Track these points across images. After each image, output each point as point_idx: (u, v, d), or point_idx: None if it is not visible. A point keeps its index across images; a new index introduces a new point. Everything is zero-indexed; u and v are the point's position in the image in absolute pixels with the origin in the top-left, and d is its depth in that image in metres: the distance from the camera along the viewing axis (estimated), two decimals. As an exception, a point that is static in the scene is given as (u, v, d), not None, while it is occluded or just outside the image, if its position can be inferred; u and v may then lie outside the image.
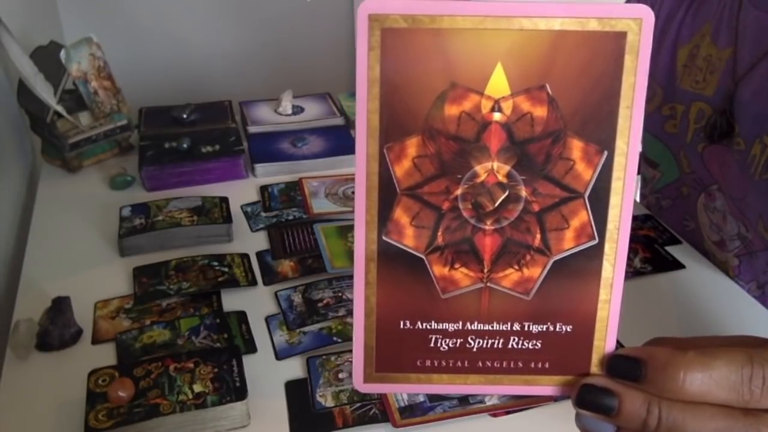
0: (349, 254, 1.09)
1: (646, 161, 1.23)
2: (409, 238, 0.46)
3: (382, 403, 0.83)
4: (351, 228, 1.15)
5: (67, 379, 0.86)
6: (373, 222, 0.46)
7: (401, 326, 0.48)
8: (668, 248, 1.12)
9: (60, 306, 0.94)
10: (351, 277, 1.02)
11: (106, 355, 0.91)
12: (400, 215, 0.46)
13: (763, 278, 1.02)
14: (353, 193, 1.25)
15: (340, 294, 1.01)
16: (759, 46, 0.95)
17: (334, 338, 0.94)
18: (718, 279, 1.06)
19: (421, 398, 0.83)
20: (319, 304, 0.99)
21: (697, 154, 1.06)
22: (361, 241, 0.46)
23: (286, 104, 1.51)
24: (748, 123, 0.95)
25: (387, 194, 0.45)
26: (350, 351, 0.90)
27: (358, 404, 0.83)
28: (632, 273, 1.05)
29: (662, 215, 1.20)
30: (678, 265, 1.08)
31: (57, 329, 0.91)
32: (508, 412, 0.83)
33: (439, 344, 0.48)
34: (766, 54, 0.94)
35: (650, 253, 1.11)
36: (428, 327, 0.48)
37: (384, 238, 0.46)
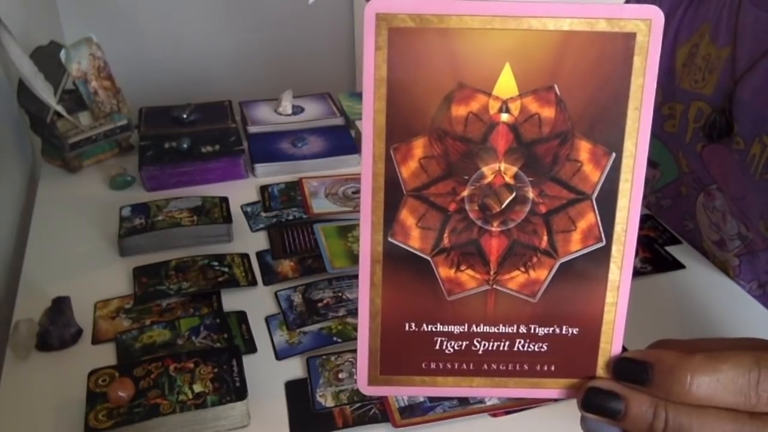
0: (349, 254, 1.09)
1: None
2: (414, 240, 0.46)
3: (382, 403, 0.83)
4: (351, 228, 1.15)
5: (67, 379, 0.86)
6: (379, 223, 0.46)
7: (406, 328, 0.48)
8: (668, 248, 1.12)
9: (60, 306, 0.93)
10: (351, 277, 1.03)
11: (106, 355, 0.91)
12: (406, 216, 0.46)
13: (764, 278, 1.02)
14: (353, 193, 1.26)
15: (340, 294, 1.01)
16: (758, 46, 0.95)
17: (334, 338, 0.93)
18: (718, 279, 1.06)
19: (421, 398, 0.83)
20: (319, 304, 0.99)
21: (695, 153, 1.06)
22: (367, 243, 0.46)
23: (286, 104, 1.51)
24: (748, 122, 0.95)
25: (393, 195, 0.45)
26: (350, 351, 0.91)
27: (358, 404, 0.83)
28: (632, 273, 1.04)
29: (662, 215, 1.20)
30: (678, 265, 1.08)
31: (57, 329, 0.91)
32: (507, 412, 0.83)
33: (444, 346, 0.48)
34: (765, 53, 0.94)
35: (650, 253, 1.11)
36: (434, 329, 0.48)
37: (389, 239, 0.46)
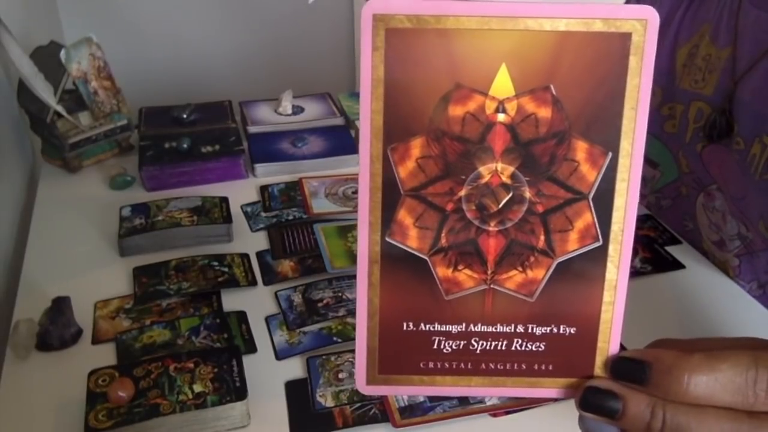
0: (349, 254, 1.09)
1: (645, 161, 1.22)
2: (412, 240, 0.46)
3: (382, 403, 0.83)
4: (351, 228, 1.15)
5: (67, 379, 0.86)
6: (377, 223, 0.46)
7: (404, 328, 0.48)
8: (668, 248, 1.12)
9: (60, 306, 0.93)
10: (351, 277, 1.03)
11: (106, 355, 0.91)
12: (404, 216, 0.46)
13: (764, 278, 1.02)
14: (353, 193, 1.26)
15: (340, 294, 1.01)
16: (758, 46, 0.95)
17: (334, 338, 0.93)
18: (718, 279, 1.06)
19: (421, 398, 0.83)
20: (319, 304, 0.99)
21: (695, 153, 1.06)
22: (364, 243, 0.46)
23: (286, 104, 1.51)
24: (748, 122, 0.95)
25: (390, 195, 0.45)
26: (350, 351, 0.91)
27: (358, 404, 0.83)
28: (632, 273, 1.04)
29: (662, 215, 1.20)
30: (678, 265, 1.08)
31: (57, 329, 0.91)
32: (508, 412, 0.83)
33: (442, 346, 0.48)
34: (765, 54, 0.94)
35: (650, 253, 1.11)
36: (431, 329, 0.48)
37: (387, 239, 0.46)
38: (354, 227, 1.15)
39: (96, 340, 0.94)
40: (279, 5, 2.13)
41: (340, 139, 1.43)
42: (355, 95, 1.62)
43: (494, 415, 0.83)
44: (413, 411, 0.82)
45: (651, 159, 1.20)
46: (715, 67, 1.01)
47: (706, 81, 1.03)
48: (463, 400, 0.83)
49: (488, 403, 0.83)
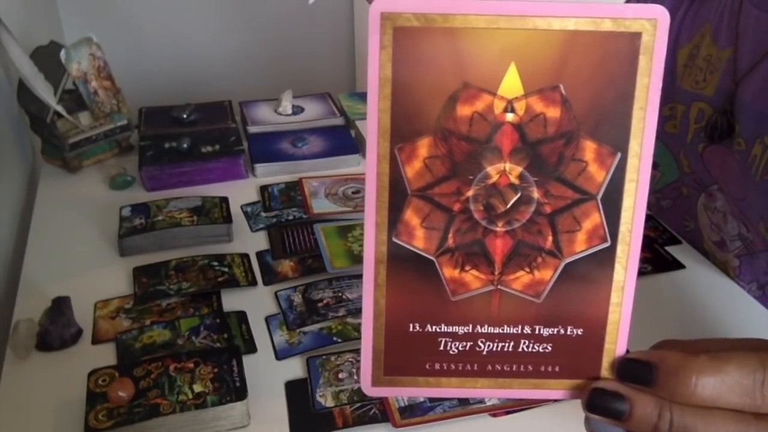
0: (349, 254, 1.09)
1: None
2: (419, 240, 0.46)
3: (382, 403, 0.83)
4: (351, 228, 1.15)
5: (67, 379, 0.86)
6: (383, 223, 0.45)
7: (410, 329, 0.47)
8: (668, 248, 1.12)
9: (60, 306, 0.93)
10: (351, 277, 1.03)
11: (106, 355, 0.91)
12: (411, 216, 0.45)
13: (764, 279, 1.02)
14: (353, 193, 1.25)
15: (340, 294, 1.01)
16: (759, 46, 0.95)
17: (334, 338, 0.93)
18: (718, 279, 1.06)
19: (421, 398, 0.83)
20: (319, 304, 0.99)
21: (696, 154, 1.06)
22: (371, 243, 0.46)
23: (286, 104, 1.51)
24: (749, 123, 0.95)
25: (397, 195, 0.45)
26: (351, 351, 0.90)
27: (358, 404, 0.83)
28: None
29: (662, 215, 1.20)
30: (678, 265, 1.08)
31: (57, 329, 0.91)
32: (508, 412, 0.83)
33: (448, 347, 0.48)
34: (766, 54, 0.94)
35: (650, 253, 1.11)
36: (438, 330, 0.47)
37: (394, 239, 0.46)
38: (354, 227, 1.15)
39: (96, 340, 0.94)
40: (279, 5, 2.13)
41: (340, 139, 1.43)
42: (355, 95, 1.62)
43: (494, 415, 0.82)
44: (413, 411, 0.82)
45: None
46: (716, 68, 1.01)
47: (707, 81, 1.03)
48: (463, 400, 0.83)
49: (488, 403, 0.83)
